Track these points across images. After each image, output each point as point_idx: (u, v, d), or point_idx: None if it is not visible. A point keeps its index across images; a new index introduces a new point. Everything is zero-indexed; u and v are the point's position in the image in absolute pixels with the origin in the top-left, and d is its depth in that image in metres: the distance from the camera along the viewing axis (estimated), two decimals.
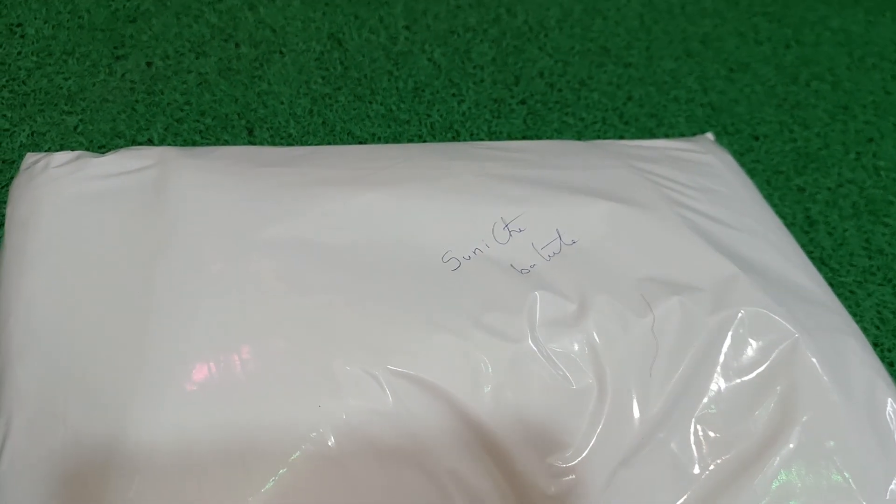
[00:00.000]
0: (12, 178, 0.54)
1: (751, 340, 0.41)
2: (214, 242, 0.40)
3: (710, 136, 0.60)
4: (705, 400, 0.40)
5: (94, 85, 0.61)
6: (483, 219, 0.44)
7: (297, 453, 0.35)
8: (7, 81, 0.60)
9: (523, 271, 0.42)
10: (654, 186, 0.49)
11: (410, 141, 0.62)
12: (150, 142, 0.58)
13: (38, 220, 0.41)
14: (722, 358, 0.40)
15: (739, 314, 0.41)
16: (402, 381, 0.37)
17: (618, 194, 0.47)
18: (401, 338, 0.38)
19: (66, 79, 0.61)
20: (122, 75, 0.63)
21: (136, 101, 0.61)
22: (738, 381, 0.40)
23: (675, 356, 0.40)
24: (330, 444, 0.35)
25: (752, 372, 0.40)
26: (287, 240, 0.41)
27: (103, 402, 0.35)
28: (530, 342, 0.39)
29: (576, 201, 0.46)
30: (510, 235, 0.44)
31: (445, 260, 0.42)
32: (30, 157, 0.44)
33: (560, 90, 0.69)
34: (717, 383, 0.40)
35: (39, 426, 0.35)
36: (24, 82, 0.61)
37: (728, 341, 0.41)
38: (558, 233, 0.44)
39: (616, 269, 0.43)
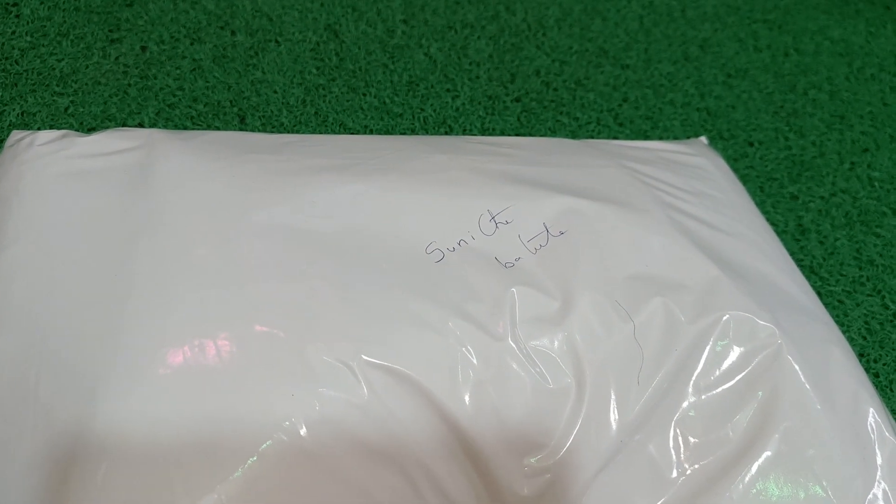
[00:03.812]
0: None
1: (734, 345, 0.40)
2: (197, 227, 0.40)
3: (703, 139, 0.59)
4: (685, 404, 0.39)
5: (87, 67, 0.61)
6: (469, 210, 0.44)
7: (268, 442, 0.34)
8: (0, 60, 0.60)
9: (507, 265, 0.42)
10: (644, 187, 0.48)
11: (403, 134, 0.62)
12: (140, 126, 0.58)
13: (21, 197, 0.41)
14: (703, 362, 0.40)
15: (724, 318, 0.41)
16: (378, 372, 0.36)
17: (608, 193, 0.47)
18: (378, 328, 0.37)
19: (59, 60, 0.61)
20: (116, 58, 0.62)
21: (129, 85, 0.61)
22: (719, 385, 0.40)
23: (657, 359, 0.40)
24: (302, 433, 0.35)
25: (733, 377, 0.40)
26: (271, 226, 0.41)
27: (75, 383, 0.35)
28: (510, 340, 0.38)
29: (567, 196, 0.46)
30: (496, 227, 0.43)
31: (429, 251, 0.42)
32: (15, 135, 0.44)
33: (556, 89, 0.68)
34: (698, 387, 0.39)
35: (11, 405, 0.35)
36: (16, 62, 0.60)
37: (710, 345, 0.40)
38: (545, 226, 0.44)
39: (602, 266, 0.43)
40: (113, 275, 0.38)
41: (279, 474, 0.34)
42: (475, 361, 0.38)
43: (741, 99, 0.72)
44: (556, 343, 0.39)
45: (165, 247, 0.39)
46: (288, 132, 0.60)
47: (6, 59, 0.60)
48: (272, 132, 0.60)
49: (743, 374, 0.40)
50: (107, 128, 0.57)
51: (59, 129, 0.57)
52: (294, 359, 0.36)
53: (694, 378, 0.40)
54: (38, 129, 0.56)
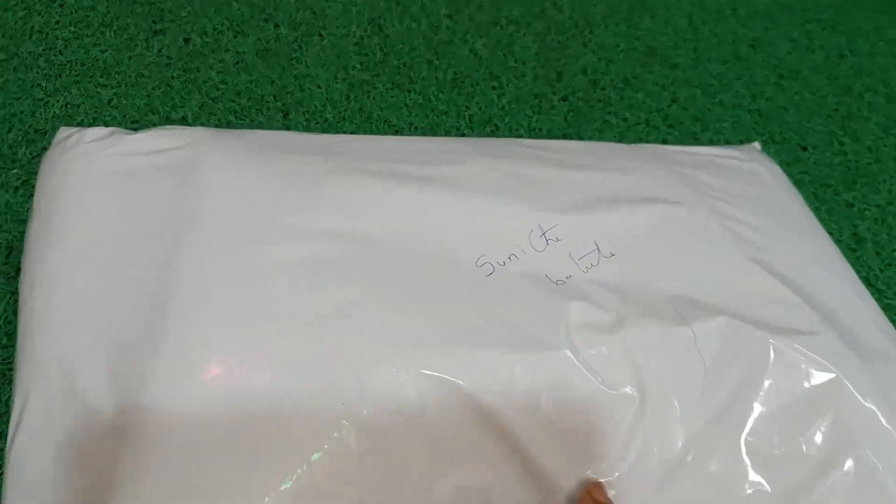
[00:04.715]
0: (44, 148, 0.54)
1: (799, 363, 0.39)
2: (243, 228, 0.39)
3: (757, 145, 0.57)
4: (753, 417, 0.38)
5: (130, 59, 0.61)
6: (520, 224, 0.42)
7: (318, 454, 0.33)
8: (44, 50, 0.59)
9: (559, 282, 0.41)
10: (700, 197, 0.47)
11: (448, 133, 0.61)
12: (183, 119, 0.57)
13: (68, 194, 0.40)
14: (769, 380, 0.39)
15: (787, 336, 0.39)
16: (433, 384, 0.35)
17: (662, 204, 0.45)
18: (433, 341, 0.36)
19: (102, 51, 0.61)
20: (159, 50, 0.62)
21: (172, 78, 0.60)
22: (786, 404, 0.38)
23: (720, 375, 0.38)
24: (353, 444, 0.34)
25: (799, 395, 0.38)
26: (318, 230, 0.40)
27: (121, 382, 0.34)
28: (567, 350, 0.37)
29: (618, 210, 0.44)
30: (547, 244, 0.42)
31: (479, 264, 0.41)
32: (63, 132, 0.43)
33: (603, 88, 0.67)
34: (765, 402, 0.38)
35: (57, 403, 0.34)
36: (60, 52, 0.60)
37: (776, 363, 0.39)
38: (597, 244, 0.43)
39: (656, 283, 0.41)
40: (158, 274, 0.37)
41: (329, 485, 0.33)
42: (530, 372, 0.37)
43: (793, 101, 0.70)
44: (614, 352, 0.38)
45: (210, 248, 0.38)
46: (332, 128, 0.59)
47: (50, 49, 0.60)
48: (316, 128, 0.59)
49: (809, 392, 0.38)
50: (151, 121, 0.57)
51: (102, 121, 0.57)
52: (346, 367, 0.35)
53: (761, 392, 0.38)
54: (82, 121, 0.56)
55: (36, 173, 0.51)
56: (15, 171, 0.52)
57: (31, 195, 0.50)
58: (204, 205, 0.40)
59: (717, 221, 0.45)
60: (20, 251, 0.46)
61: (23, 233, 0.48)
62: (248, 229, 0.39)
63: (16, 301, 0.45)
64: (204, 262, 0.38)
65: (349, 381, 0.35)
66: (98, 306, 0.37)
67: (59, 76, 0.58)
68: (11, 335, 0.44)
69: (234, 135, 0.45)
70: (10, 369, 0.43)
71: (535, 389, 0.36)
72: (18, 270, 0.47)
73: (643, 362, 0.37)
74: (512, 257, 0.41)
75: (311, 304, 0.37)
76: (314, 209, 0.41)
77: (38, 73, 0.58)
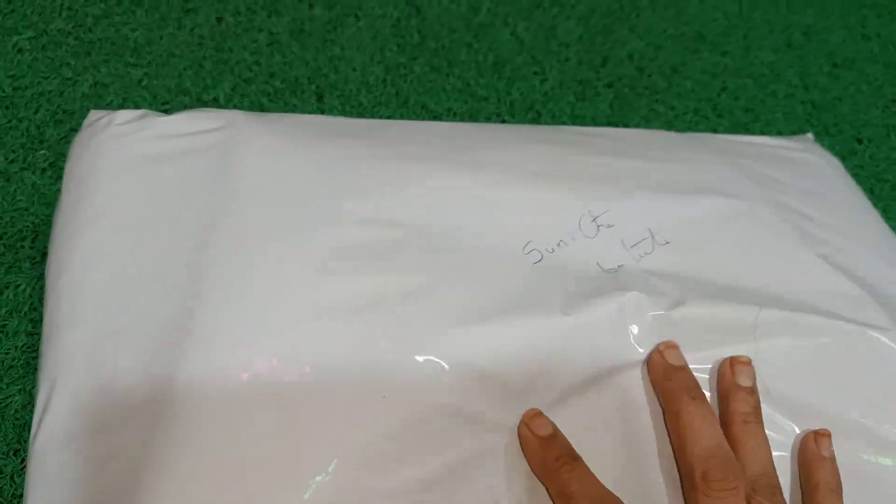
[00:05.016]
0: (72, 129, 0.52)
1: (865, 363, 0.37)
2: (282, 212, 0.37)
3: (810, 136, 0.55)
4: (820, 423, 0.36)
5: (161, 38, 0.59)
6: (569, 210, 0.40)
7: (353, 450, 0.32)
8: (73, 28, 0.58)
9: (609, 271, 0.38)
10: (760, 188, 0.44)
11: (488, 119, 0.58)
12: (215, 101, 0.56)
13: (98, 178, 0.38)
14: (833, 380, 0.36)
15: (852, 334, 0.37)
16: (477, 375, 0.34)
17: (720, 194, 0.43)
18: (478, 331, 0.35)
19: (133, 30, 0.59)
20: (191, 30, 0.60)
21: (204, 58, 0.58)
22: (863, 395, 0.36)
23: (785, 373, 0.36)
24: (393, 441, 0.32)
25: (877, 388, 0.37)
26: (359, 217, 0.38)
27: (152, 372, 0.33)
28: (628, 338, 0.35)
29: (673, 199, 0.42)
30: (598, 230, 0.40)
31: (527, 251, 0.39)
32: (93, 115, 0.42)
33: (650, 75, 0.64)
34: (831, 405, 0.36)
35: (83, 394, 0.33)
36: (90, 30, 0.58)
37: (840, 361, 0.37)
38: (650, 232, 0.40)
39: (715, 274, 0.39)
40: (192, 258, 0.36)
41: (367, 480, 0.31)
42: (585, 364, 0.35)
43: (848, 91, 0.67)
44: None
45: (245, 236, 0.37)
46: (367, 112, 0.57)
47: (79, 26, 0.58)
48: (351, 112, 0.57)
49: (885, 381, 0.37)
50: (182, 102, 0.55)
51: (132, 102, 0.55)
52: (389, 358, 0.34)
53: (826, 395, 0.36)
54: (112, 101, 0.54)
55: (64, 155, 0.50)
56: (42, 152, 0.50)
57: (59, 177, 0.49)
58: (241, 188, 0.38)
59: (778, 214, 0.43)
60: (47, 235, 0.44)
61: (50, 216, 0.46)
62: (288, 214, 0.37)
63: (42, 287, 0.44)
64: (242, 246, 0.36)
65: (390, 371, 0.33)
66: (129, 294, 0.35)
67: (89, 54, 0.56)
68: (37, 322, 0.42)
69: (270, 118, 0.43)
70: (34, 357, 0.41)
71: (592, 377, 0.34)
72: (45, 255, 0.45)
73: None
74: (561, 244, 0.39)
75: (353, 292, 0.35)
76: (357, 195, 0.39)
77: (67, 51, 0.56)
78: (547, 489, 0.32)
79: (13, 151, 0.50)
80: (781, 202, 0.44)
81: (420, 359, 0.34)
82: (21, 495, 0.38)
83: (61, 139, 0.51)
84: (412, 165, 0.41)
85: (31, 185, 0.48)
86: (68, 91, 0.54)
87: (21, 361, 0.41)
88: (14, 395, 0.40)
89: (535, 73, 0.62)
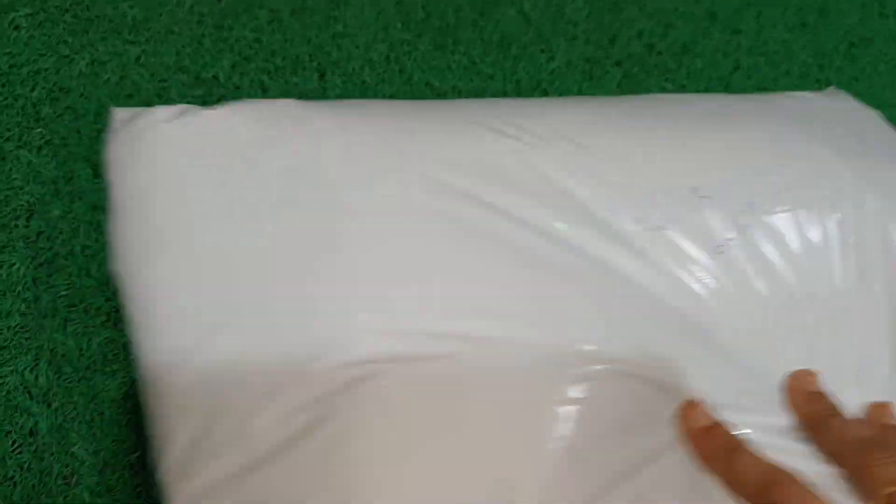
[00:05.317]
0: (68, 107, 0.51)
1: None
2: (374, 185, 0.37)
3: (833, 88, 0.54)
4: None
5: (160, 15, 0.57)
6: (671, 185, 0.39)
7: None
8: (71, 5, 0.57)
9: (718, 246, 0.38)
10: (834, 150, 0.44)
11: (493, 97, 0.57)
12: (215, 79, 0.55)
13: (164, 189, 0.36)
14: None
15: None
16: (598, 365, 0.34)
17: (806, 159, 0.43)
18: (586, 315, 0.35)
19: (131, 6, 0.58)
20: (191, 7, 0.58)
21: (204, 36, 0.57)
22: None
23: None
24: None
25: None
26: (455, 188, 0.37)
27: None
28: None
29: (767, 166, 0.42)
30: (700, 201, 0.39)
31: (632, 227, 0.38)
32: (121, 113, 0.39)
33: (660, 54, 0.62)
34: None
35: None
36: (87, 7, 0.57)
37: None
38: (751, 206, 0.40)
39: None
40: (291, 257, 0.35)
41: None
42: (705, 350, 0.36)
43: (865, 72, 0.65)
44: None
45: (349, 210, 0.36)
46: (371, 90, 0.56)
47: (77, 3, 0.57)
48: (354, 90, 0.56)
49: None
50: (180, 80, 0.54)
51: (129, 79, 0.54)
52: (549, 348, 0.34)
53: None
54: (109, 79, 0.53)
55: (60, 133, 0.49)
56: (38, 130, 0.49)
57: (55, 155, 0.48)
58: (325, 169, 0.37)
59: (857, 172, 0.43)
60: (42, 214, 0.44)
61: (45, 195, 0.46)
62: (379, 186, 0.37)
63: (36, 265, 0.43)
64: (349, 229, 0.36)
65: (555, 368, 0.34)
66: (234, 296, 0.35)
67: (86, 32, 0.55)
68: (29, 302, 0.42)
69: (321, 103, 0.41)
70: (27, 338, 0.41)
71: (711, 354, 0.36)
72: (39, 234, 0.45)
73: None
74: (666, 222, 0.38)
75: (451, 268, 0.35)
76: (446, 167, 0.37)
77: (64, 28, 0.55)
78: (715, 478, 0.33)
79: (8, 129, 0.49)
80: (857, 161, 0.44)
81: (540, 345, 0.34)
82: (12, 478, 0.37)
83: (57, 117, 0.50)
84: (500, 143, 0.39)
85: (26, 164, 0.48)
86: (65, 69, 0.53)
87: (14, 342, 0.41)
88: (6, 375, 0.40)
89: (542, 51, 0.61)
